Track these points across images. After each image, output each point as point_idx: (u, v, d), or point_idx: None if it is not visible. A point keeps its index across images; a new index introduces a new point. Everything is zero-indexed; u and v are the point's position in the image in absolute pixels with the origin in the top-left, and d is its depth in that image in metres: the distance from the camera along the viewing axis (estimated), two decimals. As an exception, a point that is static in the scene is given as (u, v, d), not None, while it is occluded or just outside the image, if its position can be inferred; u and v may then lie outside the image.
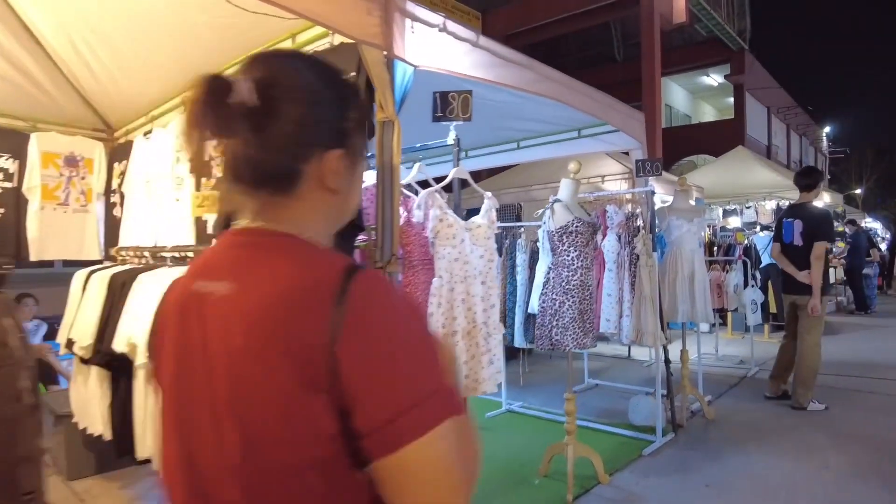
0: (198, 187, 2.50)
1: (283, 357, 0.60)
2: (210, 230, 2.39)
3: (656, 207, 4.21)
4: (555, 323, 2.93)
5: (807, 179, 4.52)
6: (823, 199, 10.52)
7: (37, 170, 3.64)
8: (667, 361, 3.92)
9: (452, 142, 2.57)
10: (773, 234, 4.87)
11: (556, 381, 5.27)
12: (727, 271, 6.25)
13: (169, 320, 0.74)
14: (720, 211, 9.78)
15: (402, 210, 2.32)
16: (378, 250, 1.98)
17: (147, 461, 2.30)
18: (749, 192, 8.70)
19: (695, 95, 21.88)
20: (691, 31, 16.57)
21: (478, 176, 9.75)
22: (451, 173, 2.52)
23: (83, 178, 3.97)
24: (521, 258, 4.33)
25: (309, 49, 2.40)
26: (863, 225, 13.24)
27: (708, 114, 22.69)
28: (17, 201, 3.51)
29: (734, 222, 9.68)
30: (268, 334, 0.61)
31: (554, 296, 2.95)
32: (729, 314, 7.21)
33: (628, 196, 3.83)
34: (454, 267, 2.24)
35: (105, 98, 3.75)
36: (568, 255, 2.96)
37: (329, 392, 0.59)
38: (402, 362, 0.61)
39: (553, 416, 4.23)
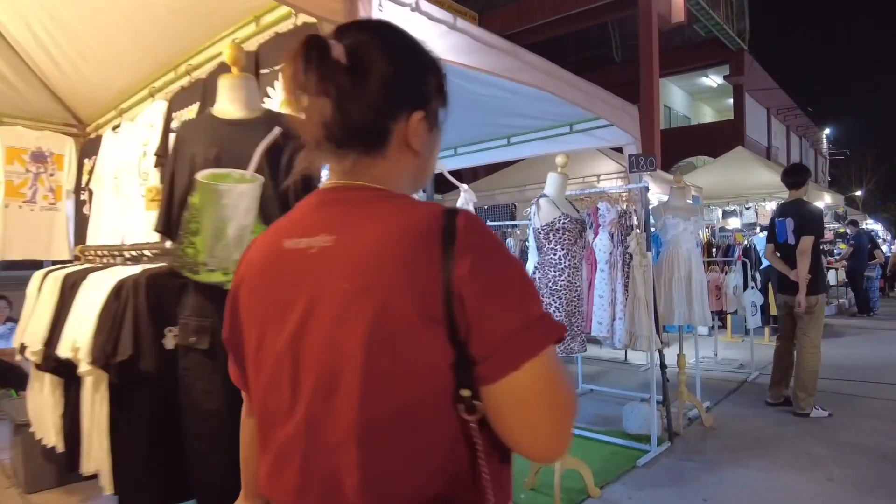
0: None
1: (402, 290, 0.62)
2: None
3: (651, 205, 4.04)
4: (541, 326, 2.75)
5: (793, 177, 4.46)
6: (825, 200, 10.37)
7: (0, 166, 3.48)
8: (662, 366, 3.74)
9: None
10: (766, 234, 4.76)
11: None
12: (726, 272, 6.07)
13: (253, 286, 0.74)
14: (719, 212, 9.62)
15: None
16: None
17: (93, 477, 2.12)
18: (749, 192, 8.56)
19: (694, 97, 21.77)
20: (690, 31, 16.46)
21: (475, 175, 9.62)
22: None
23: (52, 175, 3.81)
24: (511, 258, 4.15)
25: (272, 31, 2.25)
26: (864, 226, 13.06)
27: (707, 115, 22.57)
28: (-22, 199, 3.34)
29: (734, 223, 9.51)
30: (385, 271, 0.63)
31: (540, 297, 2.77)
32: (728, 316, 7.04)
33: (622, 192, 3.66)
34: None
35: (72, 90, 3.60)
36: (554, 254, 2.78)
37: (444, 322, 0.61)
38: (512, 287, 0.65)
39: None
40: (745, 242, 7.13)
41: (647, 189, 3.60)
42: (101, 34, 2.84)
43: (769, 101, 19.79)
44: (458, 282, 0.61)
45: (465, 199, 2.21)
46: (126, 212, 2.91)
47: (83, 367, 1.95)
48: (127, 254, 2.57)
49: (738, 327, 7.36)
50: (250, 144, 1.57)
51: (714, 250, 7.14)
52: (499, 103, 3.49)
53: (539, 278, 2.82)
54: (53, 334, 2.32)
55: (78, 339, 2.06)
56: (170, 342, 1.77)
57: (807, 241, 4.12)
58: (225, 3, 2.35)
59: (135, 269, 2.10)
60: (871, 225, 18.47)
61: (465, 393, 0.63)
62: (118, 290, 1.88)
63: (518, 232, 5.47)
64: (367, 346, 0.62)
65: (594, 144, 4.26)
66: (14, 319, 4.63)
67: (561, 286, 2.76)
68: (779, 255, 4.37)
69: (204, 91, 2.29)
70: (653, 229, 4.00)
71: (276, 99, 2.12)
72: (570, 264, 2.79)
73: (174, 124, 2.44)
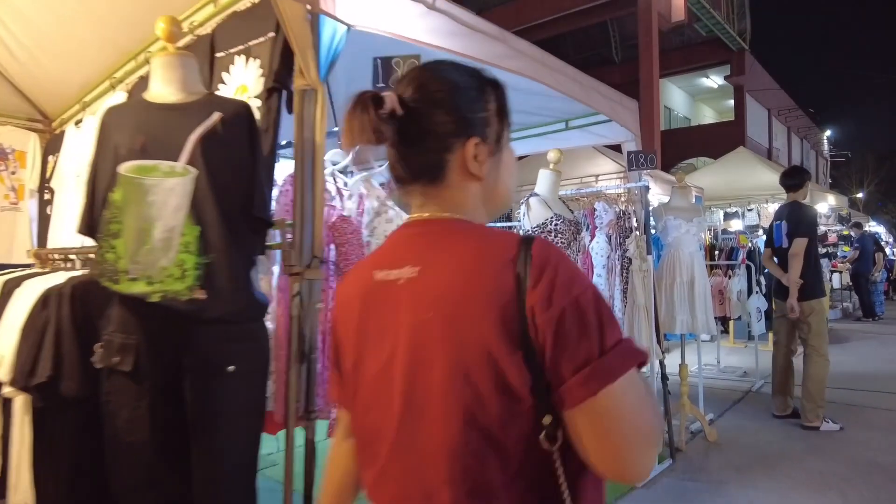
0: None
1: (482, 318, 0.65)
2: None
3: (652, 206, 3.81)
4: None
5: (792, 180, 4.31)
6: (829, 202, 10.14)
7: (-45, 163, 3.26)
8: (663, 377, 3.50)
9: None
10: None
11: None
12: (730, 276, 5.83)
13: (350, 314, 0.79)
14: (721, 214, 9.38)
15: (338, 201, 1.92)
16: (295, 252, 1.57)
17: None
18: (750, 194, 8.35)
19: (694, 98, 21.57)
20: (690, 31, 16.27)
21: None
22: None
23: (13, 173, 3.58)
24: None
25: (230, 11, 2.02)
26: (867, 229, 12.82)
27: (707, 117, 22.36)
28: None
29: (736, 225, 9.26)
30: (464, 300, 0.67)
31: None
32: (731, 322, 6.80)
33: (620, 192, 3.43)
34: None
35: (34, 83, 3.39)
36: (547, 259, 2.55)
37: (522, 348, 0.64)
38: (586, 313, 0.65)
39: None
40: (749, 245, 6.89)
41: (647, 188, 3.38)
42: (57, 21, 2.64)
43: (770, 102, 19.59)
44: (534, 308, 0.64)
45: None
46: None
47: (5, 388, 1.72)
48: (78, 258, 2.34)
49: (741, 332, 7.11)
50: (184, 132, 1.34)
51: (717, 253, 6.89)
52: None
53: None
54: (-14, 347, 2.08)
55: (5, 354, 1.83)
56: (99, 361, 1.54)
57: (799, 244, 3.97)
58: (181, -17, 2.13)
59: (79, 273, 1.88)
60: (873, 227, 18.21)
61: (546, 420, 0.65)
62: (44, 300, 1.65)
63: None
64: (450, 372, 0.67)
65: (591, 142, 4.02)
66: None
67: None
68: (776, 259, 4.23)
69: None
70: (653, 231, 3.77)
71: (232, 85, 1.89)
72: (563, 269, 2.56)
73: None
